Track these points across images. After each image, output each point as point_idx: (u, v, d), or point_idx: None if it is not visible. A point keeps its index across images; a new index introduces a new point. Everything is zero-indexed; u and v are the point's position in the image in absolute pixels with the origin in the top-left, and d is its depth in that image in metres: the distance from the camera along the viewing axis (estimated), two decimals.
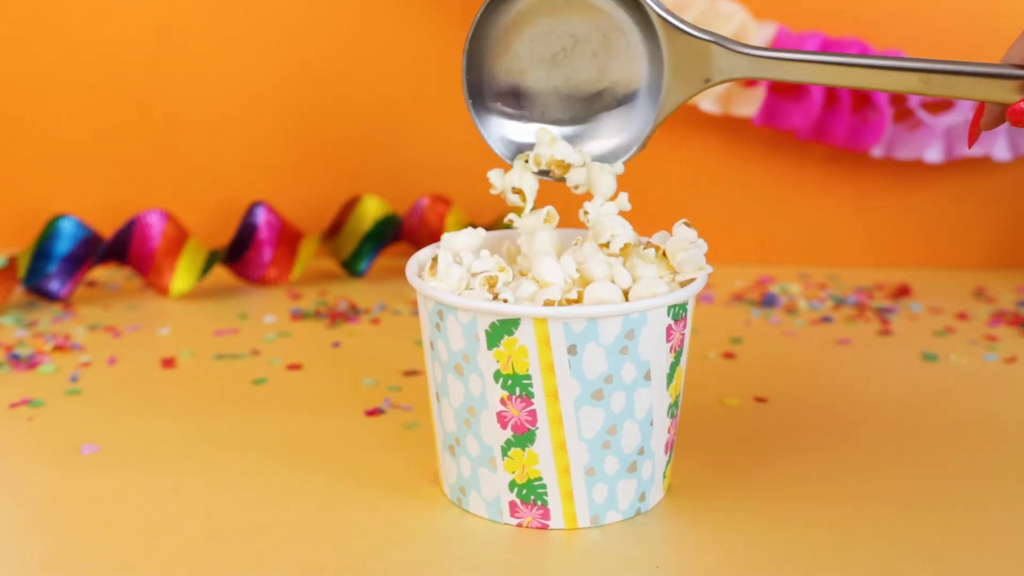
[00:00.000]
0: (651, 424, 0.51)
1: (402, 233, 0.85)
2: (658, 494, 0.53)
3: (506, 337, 0.48)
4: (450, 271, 0.51)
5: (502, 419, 0.50)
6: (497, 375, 0.49)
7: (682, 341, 0.51)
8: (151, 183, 0.89)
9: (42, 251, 0.79)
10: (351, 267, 0.84)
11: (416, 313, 0.78)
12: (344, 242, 0.84)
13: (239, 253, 0.82)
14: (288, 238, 0.83)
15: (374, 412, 0.63)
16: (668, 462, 0.54)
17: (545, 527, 0.51)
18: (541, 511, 0.51)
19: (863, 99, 0.83)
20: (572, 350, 0.48)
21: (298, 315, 0.78)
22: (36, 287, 0.79)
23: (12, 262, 0.79)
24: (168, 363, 0.70)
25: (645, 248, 0.52)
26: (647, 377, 0.50)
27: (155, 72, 0.87)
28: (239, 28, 0.87)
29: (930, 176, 0.86)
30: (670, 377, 0.51)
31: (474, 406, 0.50)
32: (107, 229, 0.85)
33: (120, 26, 0.87)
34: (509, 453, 0.50)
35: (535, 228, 0.54)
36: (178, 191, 0.89)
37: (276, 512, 0.53)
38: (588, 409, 0.49)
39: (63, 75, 0.87)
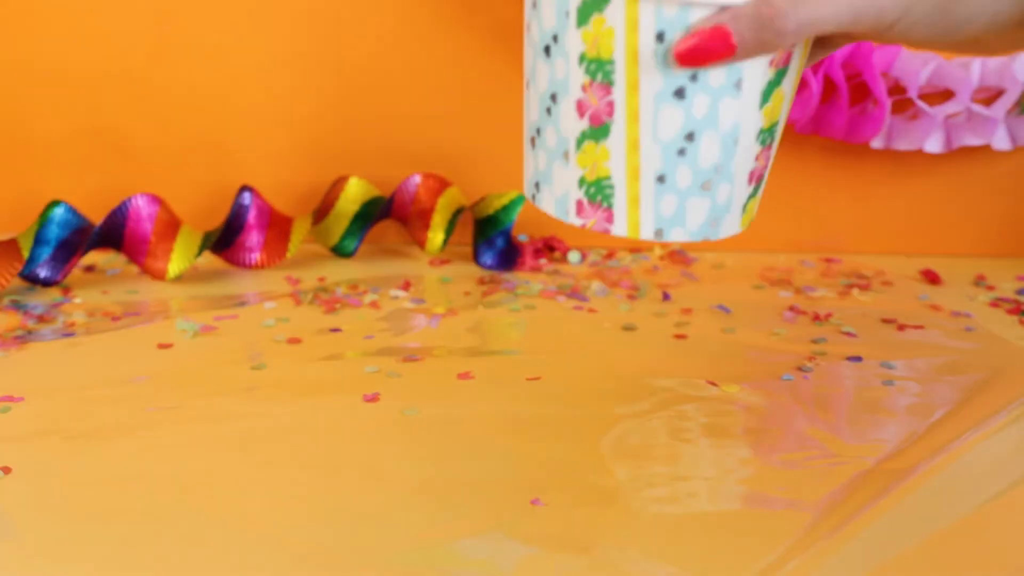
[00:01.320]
0: (735, 142, 0.48)
1: (392, 210, 0.85)
2: (733, 226, 0.51)
3: (595, 15, 0.47)
4: None
5: (581, 107, 0.48)
6: (582, 58, 0.47)
7: (788, 58, 0.48)
8: (133, 169, 0.88)
9: (35, 238, 0.79)
10: (341, 250, 0.84)
11: (416, 301, 0.78)
12: (332, 225, 0.85)
13: (230, 239, 0.82)
14: (277, 222, 0.84)
15: (373, 398, 0.63)
16: (752, 195, 0.51)
17: (607, 232, 0.50)
18: (606, 213, 0.50)
19: (862, 90, 0.83)
20: (660, 37, 0.46)
21: (297, 300, 0.78)
22: (27, 274, 0.78)
23: (15, 243, 0.79)
24: (165, 347, 0.70)
25: None
26: (737, 87, 0.47)
27: (146, 58, 0.87)
28: (236, 20, 0.86)
29: (930, 166, 0.87)
30: (765, 96, 0.48)
31: (557, 92, 0.49)
32: (93, 216, 0.85)
33: (116, 15, 0.86)
34: (583, 146, 0.49)
35: None
36: (161, 177, 0.88)
37: (276, 503, 0.53)
38: (668, 108, 0.47)
39: (53, 62, 0.87)
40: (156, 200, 0.82)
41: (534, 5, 0.49)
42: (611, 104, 0.47)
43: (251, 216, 0.83)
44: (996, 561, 0.48)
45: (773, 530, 0.50)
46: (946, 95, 0.83)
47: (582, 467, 0.55)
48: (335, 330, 0.73)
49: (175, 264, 0.80)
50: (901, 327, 0.74)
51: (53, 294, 0.78)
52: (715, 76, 0.47)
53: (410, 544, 0.49)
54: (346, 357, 0.68)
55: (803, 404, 0.62)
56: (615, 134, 0.48)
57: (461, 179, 0.87)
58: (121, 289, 0.80)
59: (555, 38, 0.48)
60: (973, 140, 0.83)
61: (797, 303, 0.78)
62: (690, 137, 0.48)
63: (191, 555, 0.48)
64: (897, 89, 0.84)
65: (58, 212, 0.79)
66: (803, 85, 0.81)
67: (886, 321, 0.75)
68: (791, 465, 0.56)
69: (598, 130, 0.48)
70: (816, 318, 0.75)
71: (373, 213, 0.85)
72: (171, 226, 0.82)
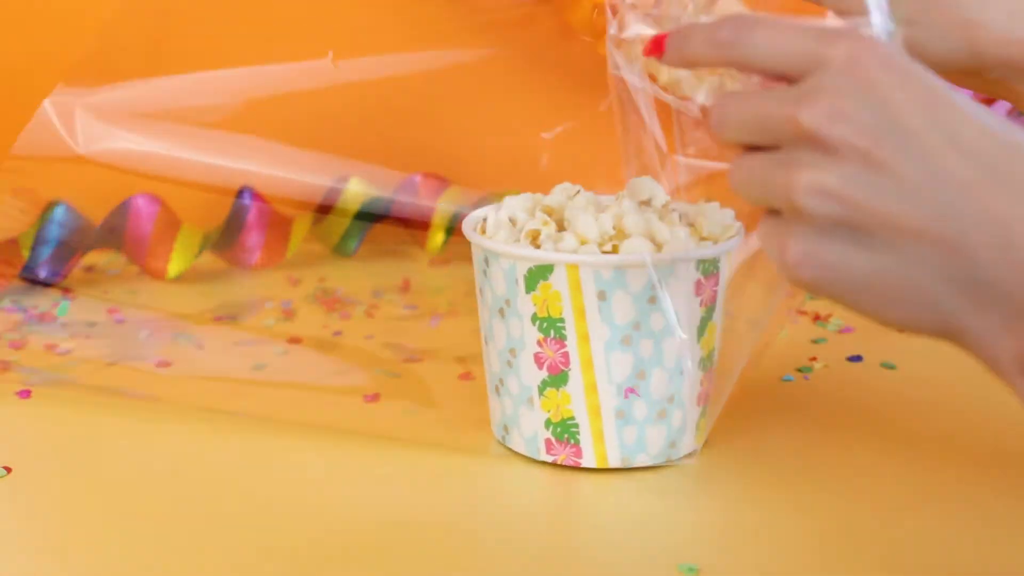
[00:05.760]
0: (681, 374, 0.53)
1: (392, 210, 0.85)
2: (690, 444, 0.55)
3: (541, 282, 0.52)
4: (498, 230, 0.54)
5: (538, 360, 0.53)
6: (534, 318, 0.52)
7: (714, 297, 0.53)
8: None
9: (35, 238, 0.79)
10: (341, 250, 0.84)
11: (409, 308, 0.78)
12: (332, 225, 0.84)
13: (230, 239, 0.82)
14: (277, 222, 0.83)
15: (373, 398, 0.63)
16: (702, 414, 0.55)
17: (578, 465, 0.54)
18: (574, 449, 0.54)
19: None
20: (601, 296, 0.51)
21: (299, 301, 0.78)
22: (27, 274, 0.78)
23: (15, 243, 0.79)
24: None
25: (671, 211, 0.55)
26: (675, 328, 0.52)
27: (146, 59, 0.87)
28: (235, 20, 0.86)
29: None
30: (701, 330, 0.53)
31: (515, 347, 0.53)
32: (93, 216, 0.85)
33: (116, 15, 0.86)
34: (545, 392, 0.53)
35: None
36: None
37: (276, 503, 0.52)
38: (617, 354, 0.52)
39: (53, 62, 0.87)
40: (156, 200, 0.81)
41: (485, 273, 0.54)
42: (566, 355, 0.52)
43: (251, 216, 0.83)
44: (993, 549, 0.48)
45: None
46: None
47: None
48: (335, 331, 0.73)
49: (175, 264, 0.80)
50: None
51: (53, 294, 0.78)
52: (655, 321, 0.52)
53: (411, 544, 0.49)
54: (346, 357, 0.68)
55: (803, 405, 0.62)
56: (573, 380, 0.53)
57: (461, 179, 0.87)
58: (121, 289, 0.80)
59: (508, 302, 0.53)
60: None
61: (797, 303, 0.78)
62: (641, 375, 0.53)
63: (191, 554, 0.48)
64: None
65: (58, 212, 0.79)
66: None
67: None
68: (791, 465, 0.56)
69: (557, 377, 0.53)
70: (816, 318, 0.75)
71: (373, 214, 0.84)
72: (171, 226, 0.81)
